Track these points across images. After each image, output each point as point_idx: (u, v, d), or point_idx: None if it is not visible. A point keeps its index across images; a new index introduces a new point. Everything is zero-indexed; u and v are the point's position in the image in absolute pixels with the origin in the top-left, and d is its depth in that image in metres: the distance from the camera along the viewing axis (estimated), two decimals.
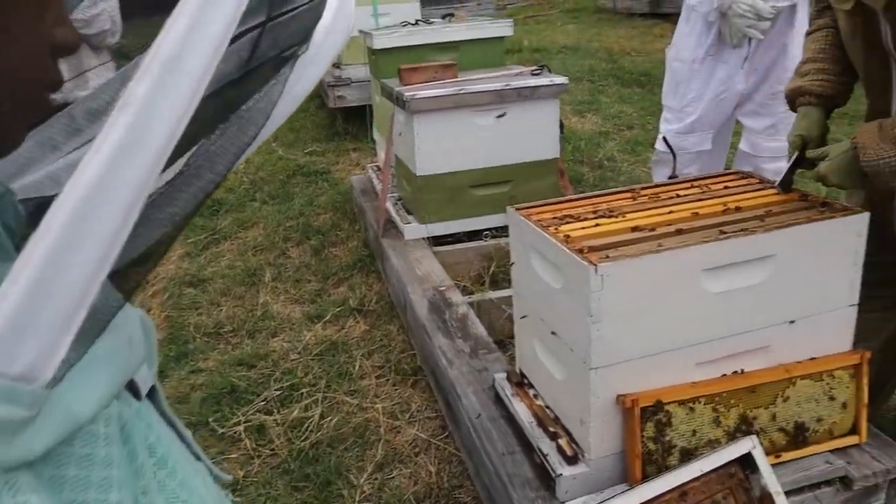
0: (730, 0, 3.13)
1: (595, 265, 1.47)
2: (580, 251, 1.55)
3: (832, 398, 1.72)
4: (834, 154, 1.62)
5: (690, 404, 1.62)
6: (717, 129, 3.49)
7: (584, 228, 1.70)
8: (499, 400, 2.07)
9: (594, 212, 1.80)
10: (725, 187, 1.92)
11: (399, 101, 3.15)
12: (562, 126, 3.33)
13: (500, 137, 3.20)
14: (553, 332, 1.72)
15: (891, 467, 1.70)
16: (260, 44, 0.49)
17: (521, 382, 2.01)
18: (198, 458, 0.64)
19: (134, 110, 0.39)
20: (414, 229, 3.31)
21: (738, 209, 1.74)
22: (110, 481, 0.46)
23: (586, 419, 1.62)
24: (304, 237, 4.10)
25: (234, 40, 0.45)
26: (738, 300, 1.61)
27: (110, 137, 0.39)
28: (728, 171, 2.12)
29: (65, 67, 0.56)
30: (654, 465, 1.61)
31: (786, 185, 1.81)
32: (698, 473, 1.54)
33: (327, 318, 3.25)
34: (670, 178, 2.57)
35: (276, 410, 2.65)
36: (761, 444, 1.60)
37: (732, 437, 1.65)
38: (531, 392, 1.96)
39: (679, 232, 1.63)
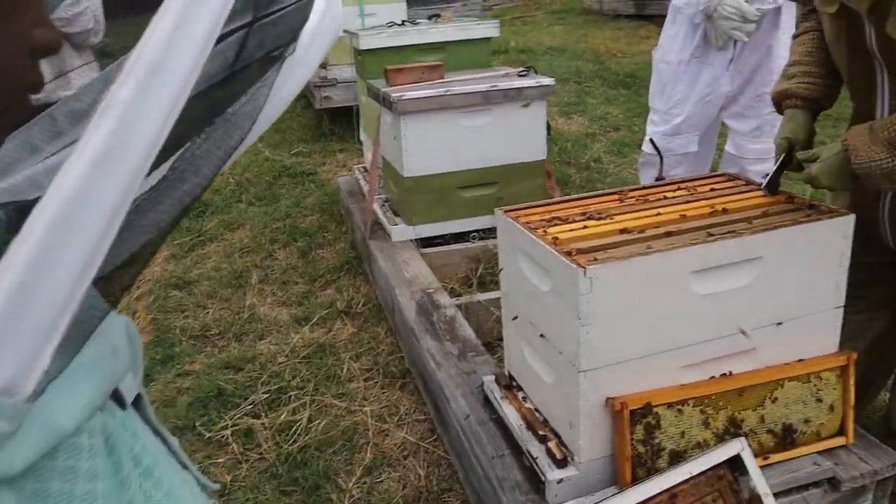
0: (715, 2, 3.14)
1: (584, 268, 1.47)
2: (569, 254, 1.54)
3: (819, 400, 1.72)
4: (825, 156, 1.62)
5: (679, 407, 1.62)
6: (703, 130, 3.51)
7: (572, 231, 1.70)
8: (487, 403, 2.06)
9: (582, 214, 1.80)
10: (712, 189, 1.93)
11: (386, 102, 3.14)
12: (549, 127, 3.33)
13: (487, 139, 3.19)
14: (542, 335, 1.72)
15: (878, 468, 1.71)
16: (246, 44, 0.48)
17: (509, 385, 2.00)
18: (185, 466, 0.62)
19: (117, 113, 0.38)
20: (401, 231, 3.30)
21: (725, 211, 1.74)
22: (94, 494, 0.45)
23: (575, 422, 1.61)
24: (291, 239, 4.08)
25: (220, 40, 0.44)
26: (726, 302, 1.61)
27: (94, 140, 0.38)
28: (714, 173, 2.13)
29: (46, 67, 0.55)
30: (644, 468, 1.61)
31: (772, 187, 1.82)
32: (688, 476, 1.54)
33: (315, 320, 3.23)
34: (657, 179, 2.58)
35: (263, 414, 2.63)
36: (750, 445, 1.60)
37: (721, 439, 1.65)
38: (520, 395, 1.95)
39: (668, 234, 1.63)
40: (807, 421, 1.72)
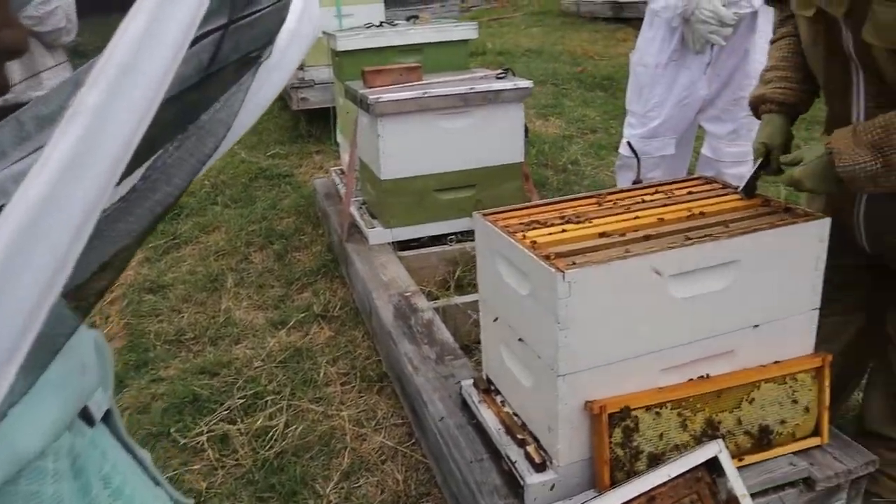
0: (692, 6, 3.16)
1: (562, 272, 1.46)
2: (547, 257, 1.54)
3: (795, 401, 1.74)
4: (808, 159, 1.62)
5: (657, 409, 1.62)
6: (680, 134, 3.53)
7: (550, 234, 1.69)
8: (466, 407, 2.05)
9: (561, 217, 1.80)
10: (689, 192, 1.94)
11: (363, 103, 3.12)
12: (526, 130, 3.33)
13: (464, 141, 3.19)
14: (520, 339, 1.71)
15: (852, 467, 1.73)
16: (222, 46, 0.47)
17: (488, 389, 1.99)
18: (157, 482, 0.60)
19: (84, 119, 0.36)
20: (378, 234, 3.28)
21: (702, 214, 1.75)
22: None
23: (554, 426, 1.61)
24: (267, 241, 4.04)
25: (194, 42, 0.42)
26: (704, 305, 1.62)
27: (60, 146, 0.36)
28: (692, 177, 2.14)
29: (15, 68, 0.53)
30: (623, 471, 1.61)
31: (749, 190, 1.83)
32: (666, 478, 1.54)
33: (291, 324, 3.20)
34: (634, 182, 2.59)
35: (239, 419, 2.59)
36: (727, 447, 1.61)
37: (699, 441, 1.65)
38: (498, 399, 1.95)
39: (646, 238, 1.63)
40: (783, 422, 1.73)
